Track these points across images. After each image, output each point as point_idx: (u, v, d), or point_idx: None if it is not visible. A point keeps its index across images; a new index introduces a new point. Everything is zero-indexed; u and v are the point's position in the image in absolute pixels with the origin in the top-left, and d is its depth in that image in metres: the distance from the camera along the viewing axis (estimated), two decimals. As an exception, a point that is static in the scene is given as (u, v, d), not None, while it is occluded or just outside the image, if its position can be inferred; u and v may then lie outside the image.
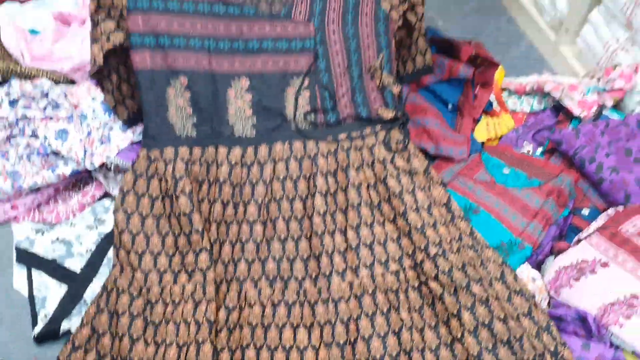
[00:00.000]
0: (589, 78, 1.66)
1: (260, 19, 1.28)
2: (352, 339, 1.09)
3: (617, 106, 1.61)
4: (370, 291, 1.13)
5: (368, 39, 1.31)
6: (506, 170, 1.39)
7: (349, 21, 1.31)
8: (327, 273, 1.15)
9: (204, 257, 1.15)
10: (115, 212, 1.20)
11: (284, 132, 1.29)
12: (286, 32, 1.29)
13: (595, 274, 1.16)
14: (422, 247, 1.15)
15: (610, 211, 1.30)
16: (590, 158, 1.37)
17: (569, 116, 1.52)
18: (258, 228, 1.20)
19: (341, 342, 1.09)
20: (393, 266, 1.16)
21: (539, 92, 1.60)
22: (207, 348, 1.05)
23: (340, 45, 1.31)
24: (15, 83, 1.38)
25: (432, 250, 1.14)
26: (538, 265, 1.29)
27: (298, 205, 1.22)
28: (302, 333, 1.10)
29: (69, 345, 1.09)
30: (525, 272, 1.21)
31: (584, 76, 1.70)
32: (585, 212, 1.37)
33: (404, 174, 1.24)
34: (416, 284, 1.14)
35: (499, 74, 1.64)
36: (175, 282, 1.15)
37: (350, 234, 1.18)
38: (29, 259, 1.29)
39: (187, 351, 1.06)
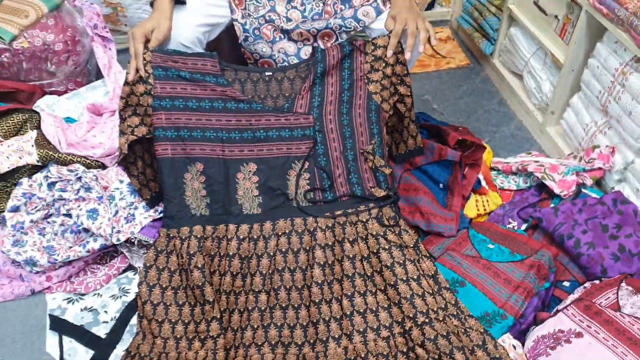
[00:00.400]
0: (572, 158, 1.81)
1: (266, 112, 1.47)
2: None
3: (598, 184, 1.76)
4: (363, 355, 1.25)
5: (361, 127, 1.49)
6: (491, 246, 1.52)
7: (344, 112, 1.49)
8: (324, 339, 1.28)
9: (214, 325, 1.30)
10: (139, 285, 1.35)
11: (287, 209, 1.45)
12: (289, 123, 1.47)
13: (570, 343, 1.27)
14: (411, 316, 1.28)
15: (587, 284, 1.42)
16: (568, 234, 1.50)
17: (552, 194, 1.66)
18: (262, 297, 1.35)
19: None
20: (384, 333, 1.29)
21: (524, 172, 1.75)
22: None
23: (337, 133, 1.48)
24: (53, 168, 1.56)
25: (420, 319, 1.27)
26: (522, 333, 1.40)
27: (299, 275, 1.36)
28: None
29: None
30: (507, 341, 1.33)
31: (568, 155, 1.85)
32: (566, 284, 1.49)
33: (395, 247, 1.38)
34: (405, 349, 1.26)
35: (487, 155, 1.79)
36: (190, 348, 1.28)
37: (345, 302, 1.32)
38: (60, 326, 1.43)
39: None
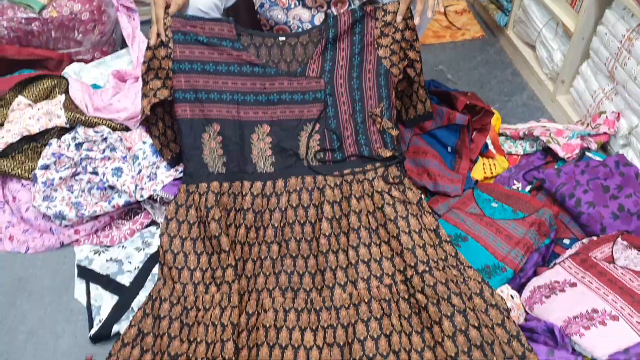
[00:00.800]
0: (580, 124, 1.86)
1: (280, 76, 1.55)
2: (350, 341, 1.29)
3: (604, 149, 1.80)
4: (366, 300, 1.34)
5: (370, 91, 1.56)
6: (494, 205, 1.58)
7: (354, 76, 1.56)
8: (331, 285, 1.37)
9: (230, 272, 1.39)
10: (161, 235, 1.45)
11: (298, 168, 1.53)
12: (301, 87, 1.55)
13: (564, 292, 1.34)
14: (412, 265, 1.35)
15: (585, 240, 1.48)
16: (569, 194, 1.56)
17: (556, 158, 1.72)
18: (274, 247, 1.43)
19: (341, 343, 1.29)
20: (387, 280, 1.37)
21: (531, 137, 1.80)
22: (229, 346, 1.27)
23: (347, 96, 1.56)
24: (80, 129, 1.67)
25: (420, 268, 1.34)
26: (522, 287, 1.46)
27: (308, 228, 1.45)
28: (308, 335, 1.31)
29: (119, 343, 1.33)
30: (505, 291, 1.39)
31: (577, 122, 1.90)
32: (566, 241, 1.55)
33: (399, 203, 1.46)
34: (406, 296, 1.34)
35: (495, 120, 1.85)
36: (206, 292, 1.38)
37: (351, 252, 1.40)
38: (87, 275, 1.54)
39: (213, 348, 1.28)
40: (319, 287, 1.38)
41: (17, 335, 1.44)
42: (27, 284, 1.54)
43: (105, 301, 1.48)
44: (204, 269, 1.42)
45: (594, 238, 1.47)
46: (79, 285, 1.53)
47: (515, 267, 1.43)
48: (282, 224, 1.46)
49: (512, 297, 1.39)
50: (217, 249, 1.42)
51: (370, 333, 1.29)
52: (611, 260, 1.38)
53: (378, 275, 1.38)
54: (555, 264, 1.43)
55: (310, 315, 1.34)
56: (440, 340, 1.25)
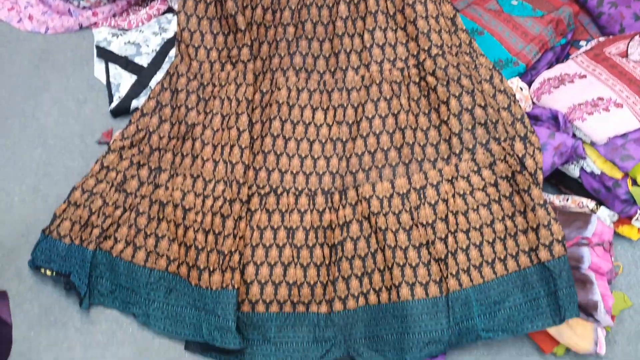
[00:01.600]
0: None
1: None
2: (358, 119, 1.34)
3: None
4: (377, 82, 1.37)
5: None
6: (514, 2, 1.56)
7: None
8: (344, 67, 1.40)
9: (245, 51, 1.42)
10: (178, 13, 1.46)
11: None
12: None
13: (572, 83, 1.36)
14: (426, 49, 1.37)
15: (601, 38, 1.47)
16: (592, -7, 1.52)
17: (585, -40, 1.65)
18: (290, 29, 1.44)
19: (350, 122, 1.35)
20: (399, 64, 1.39)
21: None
22: (244, 119, 1.33)
23: None
24: None
25: (434, 51, 1.36)
26: (532, 84, 1.48)
27: (325, 11, 1.44)
28: (319, 113, 1.37)
29: (138, 113, 1.40)
30: (515, 82, 1.42)
31: None
32: (583, 43, 1.54)
33: None
34: (417, 80, 1.37)
35: None
36: (222, 69, 1.42)
37: (366, 36, 1.41)
38: (106, 55, 1.58)
39: (228, 120, 1.34)
40: (332, 69, 1.41)
41: (42, 99, 1.51)
42: (49, 56, 1.59)
43: (124, 79, 1.53)
44: (220, 48, 1.44)
45: (610, 37, 1.46)
46: (99, 65, 1.58)
47: (527, 62, 1.44)
48: (299, 6, 1.45)
49: (521, 89, 1.41)
50: (233, 29, 1.43)
51: (378, 112, 1.34)
52: (625, 55, 1.38)
53: (391, 59, 1.39)
54: (568, 59, 1.44)
55: (322, 96, 1.39)
56: (445, 118, 1.30)
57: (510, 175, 1.27)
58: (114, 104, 1.49)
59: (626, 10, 1.49)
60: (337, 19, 1.42)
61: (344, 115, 1.36)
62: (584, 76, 1.35)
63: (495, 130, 1.28)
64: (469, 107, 1.29)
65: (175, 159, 1.36)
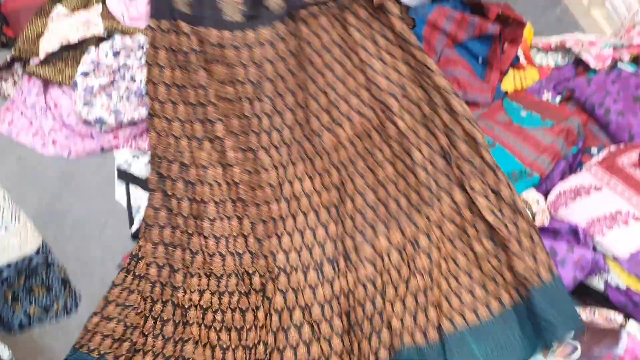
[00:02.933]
0: (613, 36, 1.84)
1: None
2: (343, 181, 1.44)
3: (636, 61, 1.78)
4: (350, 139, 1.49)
5: None
6: (523, 113, 1.60)
7: None
8: (319, 131, 1.50)
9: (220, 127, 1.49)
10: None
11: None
12: None
13: (589, 195, 1.37)
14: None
15: (612, 147, 1.50)
16: (599, 103, 1.56)
17: (587, 69, 1.71)
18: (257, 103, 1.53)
19: (337, 184, 1.44)
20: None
21: (563, 49, 1.79)
22: (239, 205, 1.42)
23: None
24: (117, 37, 1.70)
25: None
26: (547, 195, 1.50)
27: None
28: (307, 182, 1.44)
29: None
30: (532, 194, 1.43)
31: (610, 36, 1.88)
32: (594, 151, 1.57)
33: None
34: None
35: (528, 32, 1.83)
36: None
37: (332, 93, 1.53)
38: (127, 177, 1.62)
39: (224, 208, 1.44)
40: (309, 136, 1.49)
41: (64, 223, 1.54)
42: (72, 180, 1.63)
43: (144, 201, 1.56)
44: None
45: (622, 145, 1.49)
46: (119, 187, 1.61)
47: (542, 172, 1.47)
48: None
49: (537, 201, 1.42)
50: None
51: (358, 170, 1.46)
52: (638, 165, 1.40)
53: (361, 112, 1.52)
54: (582, 170, 1.46)
55: (305, 165, 1.46)
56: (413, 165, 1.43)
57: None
58: (134, 227, 1.51)
59: (633, 119, 1.52)
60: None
61: (330, 179, 1.43)
62: (600, 188, 1.37)
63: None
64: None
65: (185, 257, 1.39)
